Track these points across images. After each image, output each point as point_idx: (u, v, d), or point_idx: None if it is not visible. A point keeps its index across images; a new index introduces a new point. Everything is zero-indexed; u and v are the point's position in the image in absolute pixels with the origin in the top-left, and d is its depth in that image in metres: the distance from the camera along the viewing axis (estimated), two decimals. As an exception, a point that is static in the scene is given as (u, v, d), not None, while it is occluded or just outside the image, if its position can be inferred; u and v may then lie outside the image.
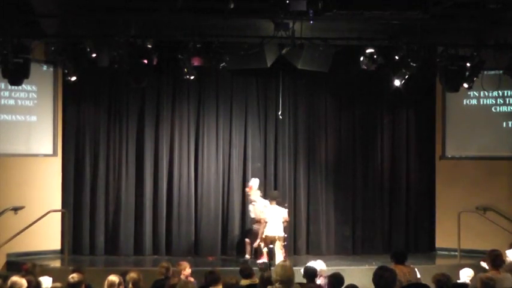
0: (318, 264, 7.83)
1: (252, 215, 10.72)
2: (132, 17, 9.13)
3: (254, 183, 10.74)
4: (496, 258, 6.65)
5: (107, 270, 7.86)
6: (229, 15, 8.48)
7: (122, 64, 9.18)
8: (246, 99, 11.70)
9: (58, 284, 6.29)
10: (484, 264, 7.45)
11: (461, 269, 7.82)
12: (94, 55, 9.10)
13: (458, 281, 7.19)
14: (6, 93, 10.79)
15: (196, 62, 9.49)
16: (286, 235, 10.84)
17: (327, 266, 8.15)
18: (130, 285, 6.49)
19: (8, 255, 10.40)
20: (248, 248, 10.75)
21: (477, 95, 11.42)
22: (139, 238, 11.26)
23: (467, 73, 9.40)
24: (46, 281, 7.01)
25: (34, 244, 10.67)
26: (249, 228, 11.24)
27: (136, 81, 9.37)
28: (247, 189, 10.82)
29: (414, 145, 11.93)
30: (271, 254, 10.34)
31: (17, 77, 9.01)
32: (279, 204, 10.43)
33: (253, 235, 10.59)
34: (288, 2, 7.79)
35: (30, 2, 8.82)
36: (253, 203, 10.65)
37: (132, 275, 6.56)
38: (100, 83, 11.33)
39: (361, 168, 11.83)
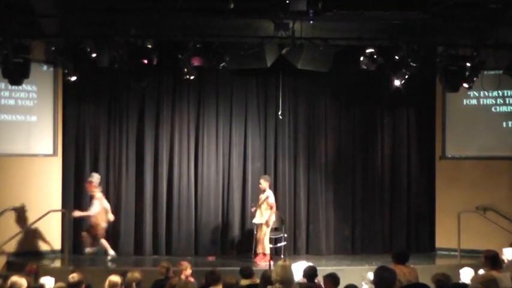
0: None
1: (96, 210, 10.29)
2: (132, 17, 9.13)
3: (95, 178, 10.34)
4: (493, 258, 6.65)
5: (107, 270, 7.86)
6: (229, 15, 8.49)
7: (122, 64, 9.18)
8: (246, 99, 11.70)
9: (62, 284, 6.27)
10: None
11: (461, 268, 7.81)
12: (94, 55, 9.09)
13: (460, 281, 7.18)
14: (6, 93, 10.79)
15: (196, 62, 9.48)
16: (285, 235, 10.90)
17: (327, 265, 8.14)
18: (134, 285, 6.48)
19: (8, 255, 10.40)
20: (88, 241, 10.42)
21: (477, 95, 11.42)
22: (140, 238, 11.27)
23: (467, 73, 9.39)
24: (49, 282, 7.00)
25: (34, 244, 10.67)
26: (249, 228, 11.27)
27: (136, 81, 9.37)
28: (87, 185, 10.43)
29: (414, 145, 11.92)
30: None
31: (17, 77, 9.02)
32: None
33: (91, 227, 10.34)
34: (288, 2, 7.80)
35: (30, 2, 8.82)
36: (95, 200, 10.30)
37: (136, 274, 6.54)
38: (100, 83, 11.32)
39: (361, 168, 11.83)
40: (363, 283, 7.28)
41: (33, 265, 7.36)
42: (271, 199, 10.47)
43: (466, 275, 7.46)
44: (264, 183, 10.51)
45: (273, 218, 10.52)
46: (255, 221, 10.52)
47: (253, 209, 10.61)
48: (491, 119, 11.44)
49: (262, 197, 10.49)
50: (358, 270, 9.57)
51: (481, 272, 7.13)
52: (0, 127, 10.70)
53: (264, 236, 10.44)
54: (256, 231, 10.57)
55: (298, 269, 7.30)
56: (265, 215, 10.43)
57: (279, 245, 10.69)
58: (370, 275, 7.40)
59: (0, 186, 10.55)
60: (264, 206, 10.48)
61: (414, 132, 11.92)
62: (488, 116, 11.45)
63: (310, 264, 7.39)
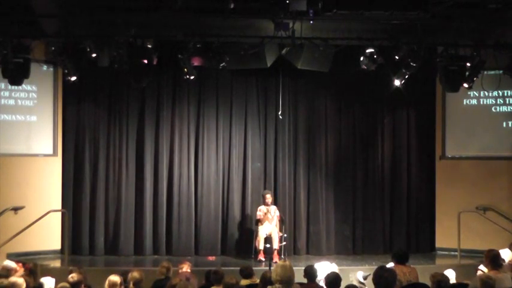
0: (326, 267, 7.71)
1: None
2: (132, 17, 9.12)
3: None
4: (494, 258, 6.64)
5: (107, 270, 7.86)
6: (229, 15, 8.48)
7: (122, 64, 9.17)
8: (246, 99, 11.70)
9: (66, 284, 6.27)
10: (484, 268, 7.40)
11: (461, 269, 7.81)
12: (94, 55, 9.09)
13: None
14: (6, 93, 10.80)
15: (196, 62, 9.49)
16: (285, 235, 10.94)
17: (327, 265, 8.12)
18: (131, 284, 6.50)
19: (8, 255, 10.39)
20: None
21: (477, 95, 11.42)
22: (140, 238, 11.27)
23: (467, 73, 9.39)
24: (48, 282, 7.00)
25: (34, 244, 10.67)
26: (249, 228, 11.28)
27: (136, 81, 9.37)
28: None
29: (414, 145, 11.91)
30: (270, 251, 10.41)
31: (17, 77, 9.01)
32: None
33: None
34: (288, 2, 7.79)
35: (30, 2, 8.82)
36: None
37: (135, 274, 6.55)
38: (100, 83, 11.33)
39: (361, 168, 11.82)
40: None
41: (29, 264, 7.36)
42: (278, 212, 10.88)
43: (450, 276, 7.45)
44: (270, 197, 10.83)
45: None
46: (274, 231, 10.66)
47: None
48: (491, 119, 11.44)
49: (272, 209, 10.77)
50: (358, 270, 9.55)
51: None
52: (0, 127, 10.70)
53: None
54: (270, 234, 10.62)
55: (321, 269, 7.30)
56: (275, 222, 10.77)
57: (279, 245, 10.68)
58: (359, 275, 7.41)
59: (0, 186, 10.55)
60: (276, 217, 10.79)
61: (414, 132, 11.91)
62: (488, 116, 11.44)
63: (335, 270, 7.30)
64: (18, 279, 6.00)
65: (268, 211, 10.70)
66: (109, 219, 11.30)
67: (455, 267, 8.73)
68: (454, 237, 10.66)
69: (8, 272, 7.12)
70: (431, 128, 11.89)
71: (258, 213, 10.77)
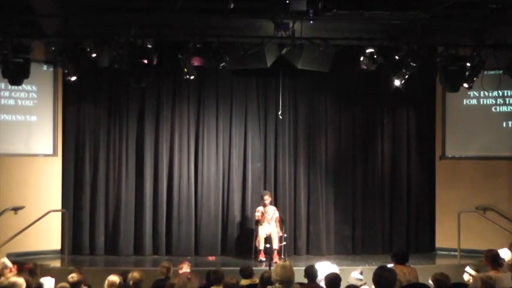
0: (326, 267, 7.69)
1: None
2: (132, 17, 9.13)
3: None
4: (494, 258, 6.65)
5: (107, 270, 7.86)
6: (229, 15, 8.49)
7: (122, 64, 9.17)
8: (246, 99, 11.70)
9: (66, 284, 6.27)
10: (469, 270, 7.38)
11: (463, 268, 7.80)
12: (94, 55, 9.09)
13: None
14: (6, 93, 10.80)
15: (196, 62, 9.48)
16: (285, 235, 10.94)
17: (327, 265, 8.11)
18: (131, 284, 6.50)
19: (8, 255, 10.37)
20: None
21: (477, 95, 11.42)
22: (139, 238, 11.27)
23: (467, 73, 9.38)
24: (48, 282, 7.00)
25: (34, 244, 10.67)
26: (249, 228, 11.27)
27: (137, 81, 9.36)
28: None
29: (414, 145, 11.92)
30: (270, 251, 10.41)
31: (17, 77, 9.00)
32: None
33: None
34: (288, 2, 7.80)
35: (30, 2, 8.82)
36: None
37: (135, 274, 6.55)
38: (100, 83, 11.34)
39: (361, 168, 11.82)
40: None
41: (28, 263, 7.36)
42: (277, 213, 10.86)
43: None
44: (269, 198, 10.78)
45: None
46: (274, 231, 10.65)
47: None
48: (491, 119, 11.44)
49: (270, 210, 10.73)
50: (352, 272, 9.54)
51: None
52: (0, 127, 10.70)
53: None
54: (270, 234, 10.63)
55: (322, 269, 7.29)
56: (274, 222, 10.75)
57: (279, 245, 10.69)
58: (354, 275, 7.40)
59: (0, 186, 10.55)
60: (274, 218, 10.76)
61: (414, 132, 11.91)
62: (488, 116, 11.44)
63: (335, 271, 7.24)
64: (18, 279, 5.99)
65: (265, 211, 10.68)
66: (109, 219, 11.30)
67: (455, 267, 8.75)
68: (454, 237, 10.66)
69: (1, 270, 7.16)
70: (431, 128, 11.89)
71: (256, 214, 10.78)
